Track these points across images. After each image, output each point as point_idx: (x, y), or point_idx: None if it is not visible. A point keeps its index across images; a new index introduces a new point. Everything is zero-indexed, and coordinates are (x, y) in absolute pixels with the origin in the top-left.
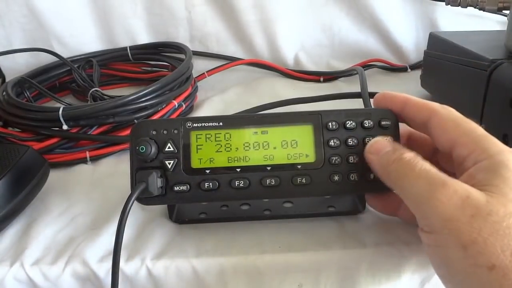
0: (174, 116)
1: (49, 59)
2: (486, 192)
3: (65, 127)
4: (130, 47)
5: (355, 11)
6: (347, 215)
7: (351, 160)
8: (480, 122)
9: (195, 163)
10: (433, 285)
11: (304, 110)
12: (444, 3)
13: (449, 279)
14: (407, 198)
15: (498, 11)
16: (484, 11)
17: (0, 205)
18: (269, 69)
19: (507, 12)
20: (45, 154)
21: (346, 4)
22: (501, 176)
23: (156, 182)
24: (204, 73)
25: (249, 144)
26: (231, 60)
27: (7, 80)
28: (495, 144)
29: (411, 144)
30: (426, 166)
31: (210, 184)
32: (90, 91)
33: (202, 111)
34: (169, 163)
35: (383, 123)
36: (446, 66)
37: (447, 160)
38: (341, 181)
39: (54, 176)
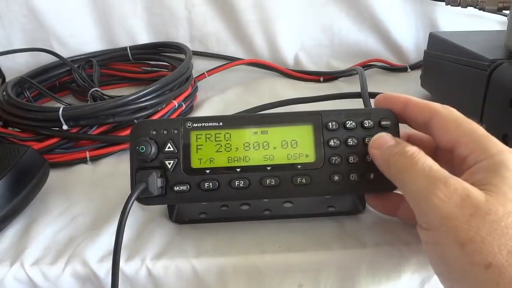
0: (174, 116)
1: (49, 59)
2: (486, 191)
3: (65, 127)
4: (130, 47)
5: (355, 11)
6: (347, 215)
7: (351, 160)
8: (480, 122)
9: (195, 163)
10: (433, 285)
11: (304, 110)
12: (444, 3)
13: (447, 276)
14: (407, 193)
15: (498, 11)
16: (484, 11)
17: (0, 205)
18: (269, 69)
19: (507, 12)
20: (45, 154)
21: (346, 4)
22: (501, 176)
23: (156, 182)
24: (204, 73)
25: (249, 144)
26: (231, 60)
27: (7, 80)
28: (496, 144)
29: None
30: (428, 162)
31: (210, 184)
32: (90, 91)
33: (202, 111)
34: (169, 163)
35: (383, 123)
36: (446, 66)
37: (447, 161)
38: (341, 181)
39: (54, 176)
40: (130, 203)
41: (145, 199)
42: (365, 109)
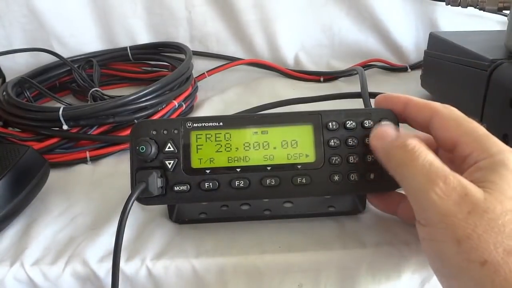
0: (174, 116)
1: (49, 59)
2: (484, 188)
3: (65, 127)
4: (130, 47)
5: (355, 11)
6: (347, 215)
7: (351, 160)
8: (480, 121)
9: (195, 163)
10: (433, 285)
11: (304, 110)
12: (444, 3)
13: (443, 273)
14: (406, 188)
15: (498, 11)
16: (484, 11)
17: (0, 205)
18: (269, 69)
19: (507, 12)
20: (45, 154)
21: (346, 4)
22: (500, 174)
23: (156, 182)
24: (204, 73)
25: (249, 144)
26: (231, 60)
27: (7, 80)
28: (496, 143)
29: None
30: (429, 157)
31: (210, 184)
32: (90, 91)
33: (202, 111)
34: (169, 163)
35: (383, 123)
36: (446, 66)
37: (447, 160)
38: (341, 181)
39: (54, 176)
40: (130, 203)
41: (145, 199)
42: (365, 109)
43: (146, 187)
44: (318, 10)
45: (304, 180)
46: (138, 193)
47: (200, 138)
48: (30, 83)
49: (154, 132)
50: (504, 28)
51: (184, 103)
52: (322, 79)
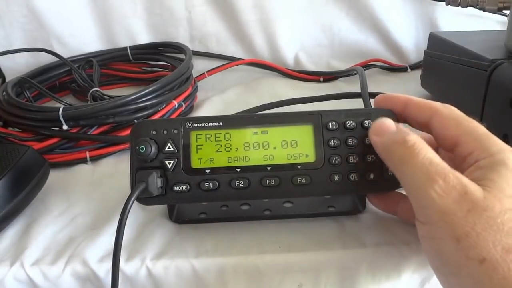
0: (174, 116)
1: (49, 59)
2: (484, 187)
3: (65, 127)
4: (130, 47)
5: (355, 11)
6: (347, 215)
7: (351, 160)
8: (480, 121)
9: (195, 163)
10: (433, 285)
11: (304, 110)
12: (444, 3)
13: (442, 271)
14: (406, 185)
15: (498, 11)
16: (484, 11)
17: (0, 205)
18: (269, 69)
19: (507, 12)
20: (45, 154)
21: (346, 4)
22: (499, 172)
23: (156, 182)
24: (204, 73)
25: (249, 144)
26: (231, 60)
27: (7, 80)
28: (496, 143)
29: None
30: (429, 154)
31: (210, 184)
32: (90, 91)
33: (202, 111)
34: (169, 163)
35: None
36: (446, 66)
37: (448, 160)
38: (341, 181)
39: (54, 176)
40: (130, 203)
41: (145, 199)
42: (365, 109)
43: (146, 187)
44: (318, 10)
45: (304, 180)
46: (138, 193)
47: (200, 138)
48: (30, 83)
49: (154, 132)
50: (504, 28)
51: (184, 103)
52: (322, 79)
